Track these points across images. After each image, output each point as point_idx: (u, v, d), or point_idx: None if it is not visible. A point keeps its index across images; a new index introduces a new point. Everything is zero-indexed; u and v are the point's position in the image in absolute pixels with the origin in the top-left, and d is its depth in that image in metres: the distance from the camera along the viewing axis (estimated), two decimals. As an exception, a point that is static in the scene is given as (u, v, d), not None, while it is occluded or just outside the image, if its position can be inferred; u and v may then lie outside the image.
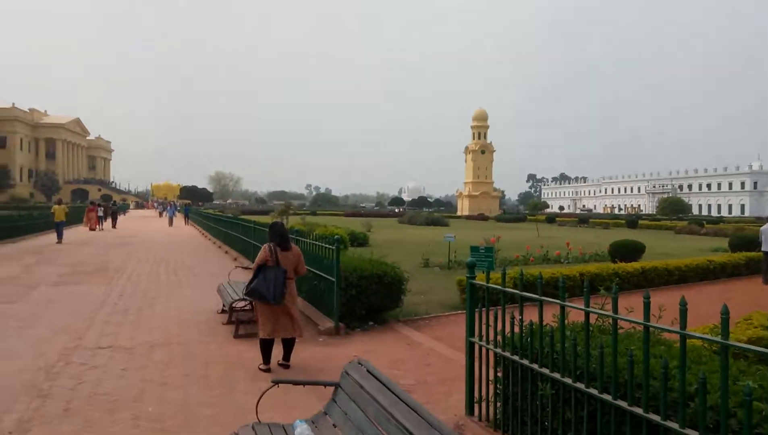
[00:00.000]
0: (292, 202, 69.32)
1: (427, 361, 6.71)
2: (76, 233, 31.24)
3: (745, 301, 11.27)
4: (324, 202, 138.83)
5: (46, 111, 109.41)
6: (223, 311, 9.06)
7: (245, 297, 6.49)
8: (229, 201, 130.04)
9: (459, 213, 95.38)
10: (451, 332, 8.17)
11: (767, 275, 14.76)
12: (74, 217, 39.84)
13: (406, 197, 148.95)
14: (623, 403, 3.03)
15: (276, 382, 3.52)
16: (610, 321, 3.33)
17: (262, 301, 6.10)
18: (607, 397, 3.12)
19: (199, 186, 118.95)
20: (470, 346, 4.49)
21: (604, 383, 3.17)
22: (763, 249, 14.91)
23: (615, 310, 3.18)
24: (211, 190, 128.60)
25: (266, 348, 6.20)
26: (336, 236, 8.44)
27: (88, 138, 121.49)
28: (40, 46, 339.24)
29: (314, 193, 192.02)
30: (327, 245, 8.37)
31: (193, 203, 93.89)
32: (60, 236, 24.11)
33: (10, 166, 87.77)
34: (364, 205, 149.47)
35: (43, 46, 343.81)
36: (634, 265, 13.54)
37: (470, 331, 4.48)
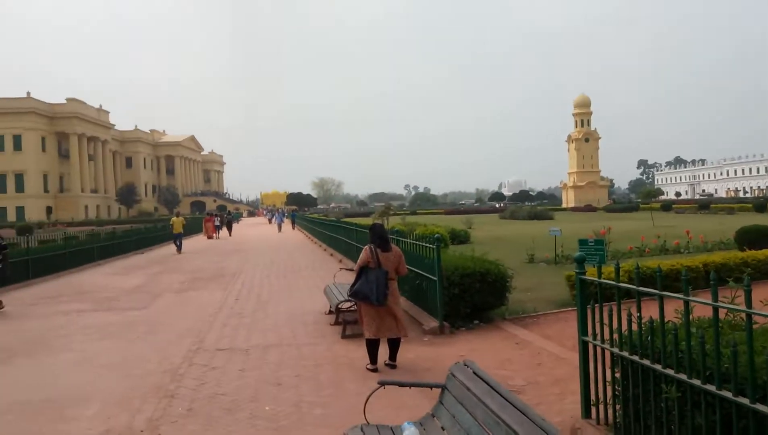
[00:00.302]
0: (392, 203, 70.09)
1: (537, 360, 6.47)
2: (195, 242, 33.56)
3: None
4: (423, 202, 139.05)
5: (164, 130, 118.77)
6: (330, 312, 9.28)
7: (349, 298, 6.59)
8: (332, 205, 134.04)
9: (564, 205, 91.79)
10: (560, 330, 7.83)
11: None
12: (195, 228, 42.91)
13: (506, 192, 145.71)
14: (763, 407, 2.71)
15: (382, 384, 3.52)
16: (743, 316, 3.00)
17: (366, 302, 6.17)
18: (744, 401, 2.81)
19: (304, 192, 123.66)
20: (584, 346, 4.25)
21: (738, 385, 2.86)
22: None
23: (748, 303, 2.86)
24: (315, 196, 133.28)
25: (372, 348, 6.27)
26: (436, 235, 8.37)
27: (202, 153, 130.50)
28: (146, 64, 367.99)
29: (413, 192, 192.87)
30: (427, 244, 8.32)
31: (299, 209, 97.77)
32: (179, 247, 25.41)
33: (136, 183, 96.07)
34: (463, 202, 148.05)
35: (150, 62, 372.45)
36: (766, 252, 12.28)
37: (583, 330, 4.24)
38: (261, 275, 15.55)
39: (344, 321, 7.99)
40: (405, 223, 25.59)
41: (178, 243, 25.61)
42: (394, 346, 6.36)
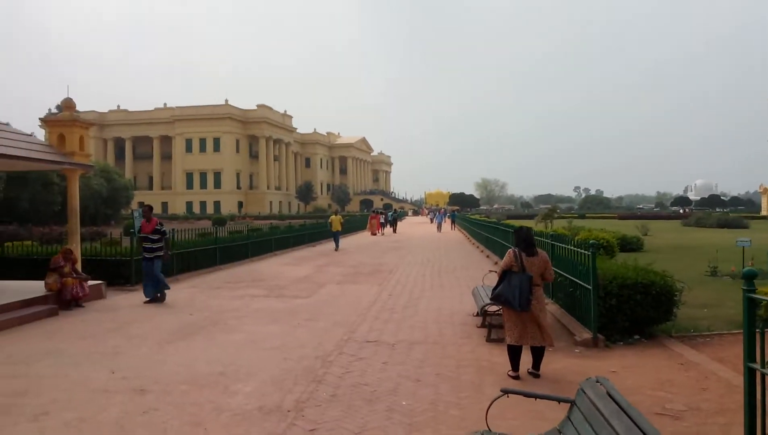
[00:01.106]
0: (559, 206, 67.01)
1: (704, 384, 5.77)
2: (360, 238, 35.27)
3: None
4: (594, 205, 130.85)
5: (339, 133, 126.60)
6: (477, 314, 9.19)
7: (492, 301, 6.47)
8: (495, 206, 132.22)
9: (764, 213, 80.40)
10: (737, 353, 6.87)
11: None
12: (362, 224, 45.21)
13: (692, 196, 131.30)
14: None
15: (505, 392, 3.40)
16: None
17: (508, 307, 6.00)
18: None
19: (467, 192, 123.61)
20: (749, 373, 3.70)
21: None
22: None
23: None
24: (477, 196, 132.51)
25: (514, 354, 6.08)
26: (591, 241, 7.85)
27: (371, 154, 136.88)
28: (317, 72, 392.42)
29: (583, 195, 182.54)
30: (582, 250, 7.84)
31: (461, 209, 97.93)
32: (337, 245, 25.37)
33: (313, 182, 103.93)
34: (641, 206, 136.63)
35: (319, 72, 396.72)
36: None
37: (749, 355, 3.70)
38: (416, 273, 15.88)
39: (490, 324, 7.86)
40: (570, 228, 24.32)
41: (336, 241, 25.73)
42: (537, 354, 6.11)
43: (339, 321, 9.24)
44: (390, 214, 49.50)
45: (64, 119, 12.07)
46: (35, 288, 10.72)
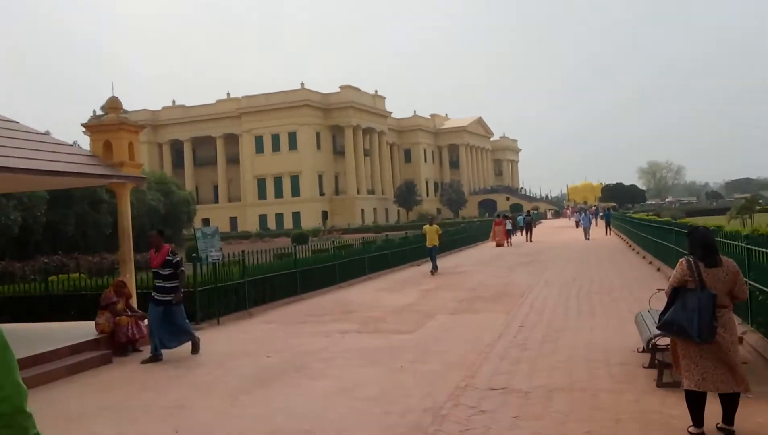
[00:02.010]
0: (762, 195, 62.92)
1: None
2: (481, 251, 35.10)
3: None
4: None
5: (447, 114, 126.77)
6: (643, 350, 8.85)
7: (661, 331, 6.23)
8: (667, 199, 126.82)
9: None
10: None
11: None
12: (482, 232, 45.08)
13: None
14: None
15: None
16: None
17: (684, 338, 5.75)
18: None
19: (626, 182, 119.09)
20: None
21: None
22: None
23: None
24: (642, 187, 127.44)
25: (695, 403, 5.81)
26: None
27: (491, 139, 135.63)
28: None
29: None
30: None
31: (620, 206, 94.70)
32: (434, 265, 23.64)
33: (416, 181, 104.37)
34: None
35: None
36: None
37: None
38: (557, 296, 15.63)
39: (660, 363, 7.56)
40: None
41: (432, 259, 23.98)
42: (728, 403, 5.80)
43: (453, 362, 9.29)
44: (522, 217, 48.89)
45: (109, 123, 13.09)
46: (86, 330, 11.66)
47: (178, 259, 11.19)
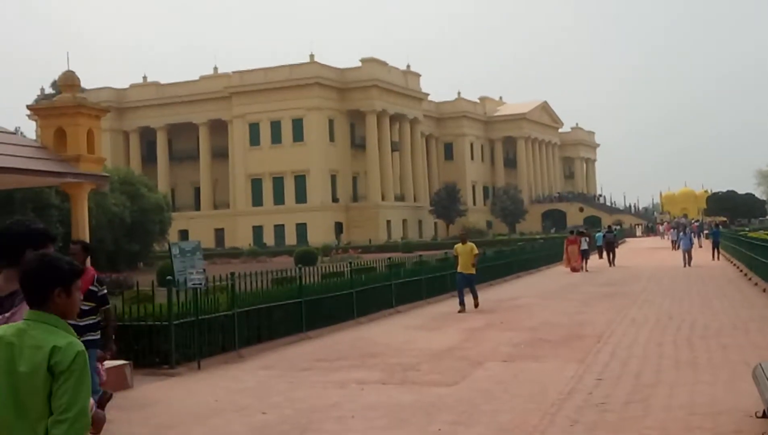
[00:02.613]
0: None
1: None
2: (548, 277, 34.88)
3: None
4: None
5: (501, 98, 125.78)
6: (763, 415, 8.75)
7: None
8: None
9: None
10: None
11: None
12: (550, 253, 44.80)
13: None
14: None
15: None
16: None
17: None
18: None
19: (740, 190, 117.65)
20: None
21: None
22: None
23: None
24: (762, 198, 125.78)
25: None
26: None
27: (560, 130, 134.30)
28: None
29: None
30: None
31: (731, 221, 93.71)
32: (475, 297, 22.82)
33: (459, 184, 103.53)
34: None
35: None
36: None
37: None
38: (646, 339, 15.52)
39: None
40: None
41: (472, 290, 23.12)
42: None
43: (507, 426, 9.23)
44: (601, 234, 48.51)
45: (63, 105, 13.13)
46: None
47: (105, 292, 9.58)
